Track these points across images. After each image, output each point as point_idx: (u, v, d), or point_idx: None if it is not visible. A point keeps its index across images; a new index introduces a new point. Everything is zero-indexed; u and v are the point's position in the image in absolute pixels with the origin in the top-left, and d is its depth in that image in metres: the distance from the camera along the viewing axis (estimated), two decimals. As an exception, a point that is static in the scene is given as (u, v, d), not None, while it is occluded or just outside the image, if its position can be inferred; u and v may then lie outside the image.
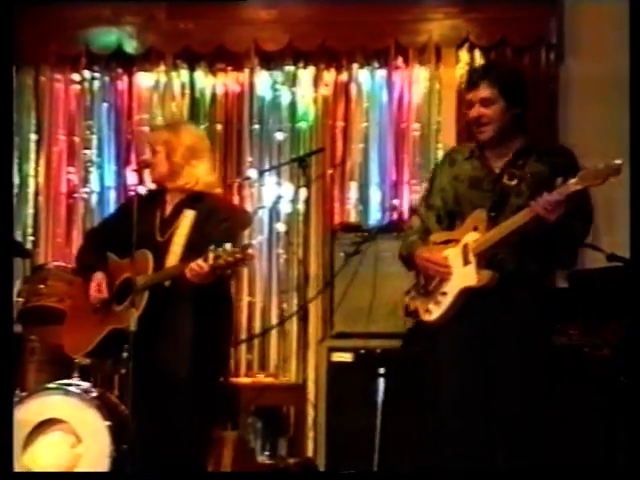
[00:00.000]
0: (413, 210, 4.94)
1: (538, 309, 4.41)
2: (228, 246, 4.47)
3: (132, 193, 6.38)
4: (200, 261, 4.47)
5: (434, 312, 4.47)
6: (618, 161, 3.99)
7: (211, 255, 4.46)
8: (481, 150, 4.52)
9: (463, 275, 4.38)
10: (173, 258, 4.70)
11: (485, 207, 4.39)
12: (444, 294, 4.43)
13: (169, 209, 4.88)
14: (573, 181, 4.04)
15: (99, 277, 4.84)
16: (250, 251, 4.59)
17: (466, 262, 4.37)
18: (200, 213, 4.79)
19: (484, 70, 4.62)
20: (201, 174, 4.88)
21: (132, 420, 4.58)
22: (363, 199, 6.80)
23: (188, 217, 4.78)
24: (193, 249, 4.65)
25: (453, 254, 4.42)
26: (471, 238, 4.37)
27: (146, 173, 5.26)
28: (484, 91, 4.44)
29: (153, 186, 5.10)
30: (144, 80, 6.98)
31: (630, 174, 4.22)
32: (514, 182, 4.39)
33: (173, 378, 4.62)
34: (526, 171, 4.39)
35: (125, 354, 4.71)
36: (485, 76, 4.50)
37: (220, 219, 4.83)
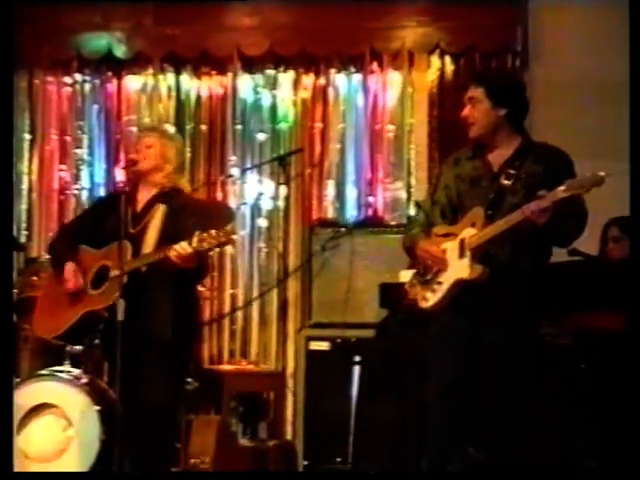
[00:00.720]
0: (417, 204, 4.95)
1: (528, 303, 4.41)
2: (213, 231, 4.53)
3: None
4: (184, 244, 4.53)
5: (430, 300, 4.47)
6: (602, 173, 4.05)
7: (195, 239, 4.52)
8: (482, 151, 4.55)
9: (458, 267, 4.39)
10: (148, 248, 4.78)
11: (483, 205, 4.40)
12: (440, 283, 4.44)
13: (140, 204, 4.93)
14: (561, 189, 4.07)
15: (72, 267, 4.88)
16: (233, 236, 4.68)
17: (462, 255, 4.38)
18: (171, 207, 4.87)
19: (478, 71, 4.69)
20: (176, 173, 4.99)
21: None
22: (340, 196, 6.80)
23: (160, 210, 4.86)
24: (166, 240, 4.71)
25: (451, 247, 4.43)
26: (468, 233, 4.38)
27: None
28: (471, 91, 4.47)
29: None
30: (132, 83, 6.98)
31: (630, 174, 4.27)
32: (511, 181, 4.39)
33: (156, 345, 4.70)
34: (522, 171, 4.39)
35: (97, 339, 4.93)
36: (474, 77, 4.59)
37: (190, 213, 4.87)
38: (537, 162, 4.41)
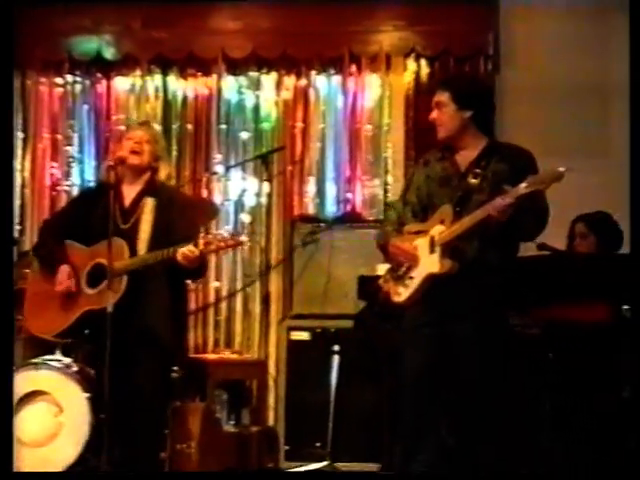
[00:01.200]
0: (389, 204, 5.00)
1: (496, 296, 4.45)
2: (220, 234, 4.57)
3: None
4: (191, 247, 4.52)
5: (403, 294, 4.51)
6: (561, 169, 4.10)
7: (201, 241, 4.53)
8: (450, 152, 4.60)
9: (429, 263, 4.42)
10: (142, 244, 4.74)
11: (451, 203, 4.46)
12: (412, 278, 4.48)
13: (128, 199, 4.87)
14: (523, 185, 4.12)
15: (66, 268, 4.81)
16: (241, 238, 4.68)
17: (432, 251, 4.41)
18: (160, 201, 4.84)
19: (442, 78, 4.75)
20: (162, 168, 4.98)
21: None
22: (320, 193, 6.80)
23: (149, 205, 4.82)
24: (159, 235, 4.72)
25: (422, 244, 4.47)
26: (437, 230, 4.42)
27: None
28: (438, 96, 4.52)
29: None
30: (121, 84, 6.95)
31: (630, 173, 4.28)
32: (477, 180, 4.44)
33: (148, 336, 4.68)
34: (488, 170, 4.43)
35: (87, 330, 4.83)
36: (441, 83, 4.65)
37: (181, 206, 4.90)
38: (502, 161, 4.46)
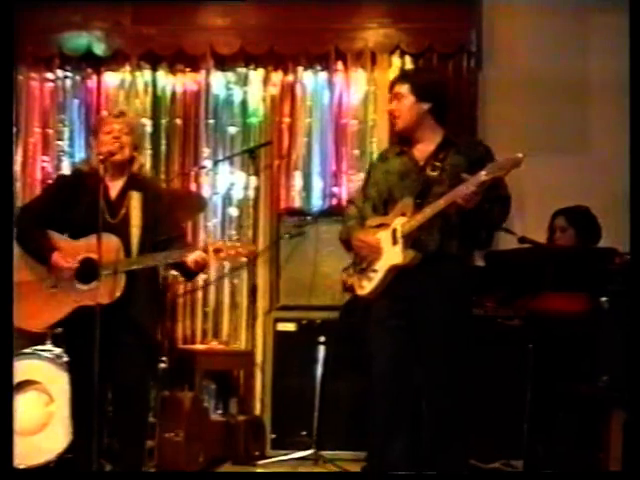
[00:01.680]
0: (350, 200, 4.99)
1: (458, 284, 4.48)
2: (230, 243, 4.56)
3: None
4: (203, 254, 4.47)
5: (367, 287, 4.53)
6: (520, 155, 4.11)
7: (211, 248, 4.48)
8: (408, 146, 4.61)
9: (391, 255, 4.44)
10: (134, 240, 4.61)
11: (412, 195, 4.48)
12: (375, 271, 4.50)
13: (114, 193, 4.68)
14: (483, 173, 4.13)
15: (59, 254, 4.57)
16: (252, 247, 4.64)
17: (395, 243, 4.43)
18: (145, 195, 4.71)
19: (401, 71, 4.76)
20: (142, 160, 4.96)
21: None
22: (306, 187, 6.79)
23: (135, 199, 4.68)
24: (149, 231, 4.64)
25: (384, 236, 4.48)
26: (399, 222, 4.43)
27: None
28: (397, 88, 4.56)
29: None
30: (111, 79, 6.91)
31: (630, 172, 4.24)
32: (436, 173, 4.47)
33: (136, 328, 4.60)
34: (446, 163, 4.46)
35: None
36: (400, 75, 4.71)
37: (167, 201, 4.82)
38: (459, 153, 4.49)
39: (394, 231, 4.46)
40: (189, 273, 4.71)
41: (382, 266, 4.49)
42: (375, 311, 4.57)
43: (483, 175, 4.13)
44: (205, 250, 4.50)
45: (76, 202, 4.67)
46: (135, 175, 4.79)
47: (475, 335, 5.15)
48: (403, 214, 4.45)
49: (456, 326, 4.44)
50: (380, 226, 4.56)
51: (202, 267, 4.57)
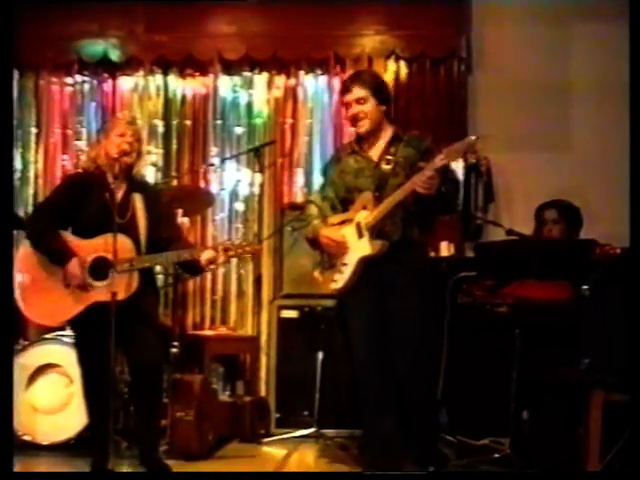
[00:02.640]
0: (309, 200, 5.03)
1: (423, 267, 4.56)
2: (238, 242, 4.62)
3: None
4: (214, 253, 4.55)
5: (339, 281, 4.58)
6: (473, 137, 4.17)
7: (221, 247, 4.56)
8: (359, 145, 4.66)
9: (359, 247, 4.49)
10: (143, 239, 4.66)
11: (370, 190, 4.52)
12: (345, 265, 4.54)
13: (120, 193, 4.66)
14: (440, 157, 4.18)
15: (76, 262, 4.55)
16: (258, 247, 4.70)
17: (360, 236, 4.48)
18: (147, 197, 4.75)
19: (354, 76, 4.76)
20: (144, 163, 5.00)
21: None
22: (307, 183, 6.80)
23: (139, 200, 4.71)
24: (154, 230, 4.69)
25: (349, 231, 4.53)
26: (362, 216, 4.48)
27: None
28: (358, 92, 4.59)
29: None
30: (126, 83, 6.94)
31: (630, 171, 4.25)
32: (390, 166, 4.54)
33: (157, 323, 4.77)
34: (398, 156, 4.53)
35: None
36: (356, 81, 4.66)
37: (166, 202, 4.91)
38: (409, 146, 4.56)
39: (358, 224, 4.50)
40: (194, 270, 4.78)
41: (352, 259, 4.52)
42: (348, 300, 4.62)
43: (439, 160, 4.19)
44: (215, 249, 4.57)
45: (85, 202, 4.67)
46: (135, 178, 4.83)
47: (465, 322, 5.25)
48: (364, 208, 4.49)
49: (424, 305, 4.49)
50: (343, 222, 4.60)
51: (211, 263, 4.62)
